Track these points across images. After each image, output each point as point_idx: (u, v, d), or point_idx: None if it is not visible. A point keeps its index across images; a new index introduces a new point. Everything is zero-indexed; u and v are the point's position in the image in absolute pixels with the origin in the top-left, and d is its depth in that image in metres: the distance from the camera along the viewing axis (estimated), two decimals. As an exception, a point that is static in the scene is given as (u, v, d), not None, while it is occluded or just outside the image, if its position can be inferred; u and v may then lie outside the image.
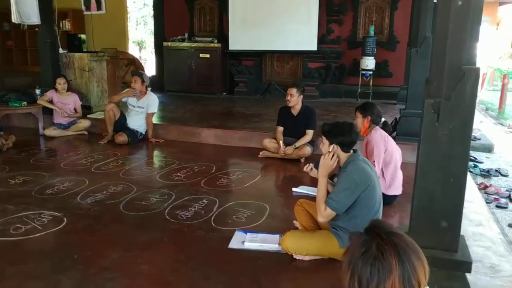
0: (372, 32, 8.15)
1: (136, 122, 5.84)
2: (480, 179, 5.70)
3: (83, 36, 7.39)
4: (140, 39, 19.72)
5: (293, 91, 4.97)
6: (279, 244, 2.89)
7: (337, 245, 2.69)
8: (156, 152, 5.57)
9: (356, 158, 2.69)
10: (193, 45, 9.01)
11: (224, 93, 9.22)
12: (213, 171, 4.68)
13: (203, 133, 5.96)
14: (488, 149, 7.05)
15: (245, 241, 3.01)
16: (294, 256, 2.79)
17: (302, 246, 2.76)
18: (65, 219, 3.38)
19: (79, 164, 4.87)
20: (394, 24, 8.50)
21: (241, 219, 3.45)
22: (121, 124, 5.82)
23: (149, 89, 6.06)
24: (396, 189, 3.74)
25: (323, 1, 8.42)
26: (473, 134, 7.02)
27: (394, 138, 4.24)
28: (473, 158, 6.42)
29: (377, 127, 3.77)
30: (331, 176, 2.90)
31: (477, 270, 2.81)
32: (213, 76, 8.99)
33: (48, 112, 6.22)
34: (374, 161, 3.55)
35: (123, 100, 5.89)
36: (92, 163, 4.90)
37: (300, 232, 2.96)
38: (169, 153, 5.40)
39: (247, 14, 8.77)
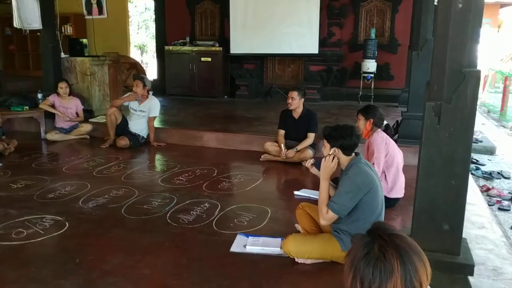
0: (373, 35, 8.17)
1: (138, 126, 5.85)
2: (482, 182, 5.69)
3: (85, 41, 7.41)
4: (142, 43, 19.81)
5: (294, 94, 4.98)
6: (281, 247, 2.89)
7: (339, 248, 2.68)
8: (157, 156, 5.57)
9: (358, 161, 2.69)
10: (194, 49, 9.03)
11: (226, 97, 9.24)
12: (215, 174, 4.68)
13: (205, 137, 5.97)
14: (490, 151, 7.05)
15: (247, 244, 3.01)
16: (296, 260, 2.79)
17: (304, 250, 2.76)
18: (67, 223, 3.38)
19: (81, 168, 4.88)
20: (395, 27, 8.51)
21: (243, 222, 3.44)
22: (122, 128, 5.84)
23: (150, 93, 6.08)
24: (398, 192, 3.73)
25: (324, 4, 8.44)
26: (475, 136, 7.05)
27: (396, 140, 4.24)
28: (475, 161, 6.41)
29: (379, 129, 3.77)
30: (334, 179, 2.90)
31: (480, 273, 2.80)
32: (214, 80, 9.01)
33: (50, 116, 6.24)
34: (373, 164, 3.55)
35: (125, 104, 5.91)
36: (94, 167, 4.91)
37: (302, 236, 2.96)
38: (171, 157, 5.41)
39: (248, 18, 8.80)
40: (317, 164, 2.82)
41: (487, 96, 12.59)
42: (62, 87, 6.12)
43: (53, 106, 6.12)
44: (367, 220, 2.56)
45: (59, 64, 6.80)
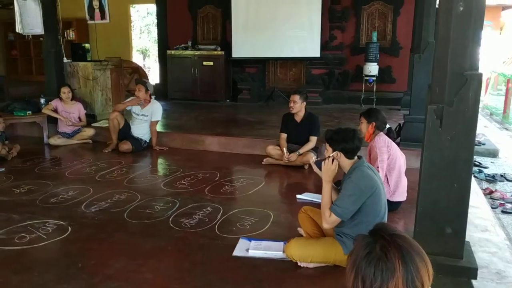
0: (375, 38, 8.17)
1: (140, 130, 5.86)
2: (485, 184, 5.67)
3: (87, 45, 7.44)
4: (144, 47, 19.88)
5: (296, 98, 4.98)
6: (284, 251, 2.88)
7: (342, 252, 2.68)
8: (160, 160, 5.58)
9: (361, 165, 2.68)
10: (196, 53, 9.04)
11: (228, 101, 9.25)
12: (217, 178, 4.68)
13: (207, 141, 5.97)
14: (493, 154, 7.03)
15: (249, 248, 3.00)
16: (299, 264, 2.78)
17: (307, 254, 2.75)
18: (70, 228, 3.39)
19: (83, 173, 4.89)
20: (397, 30, 8.50)
21: (245, 226, 3.44)
22: (125, 133, 5.84)
23: (153, 97, 6.09)
24: (401, 195, 3.72)
25: (325, 7, 8.45)
26: (477, 139, 7.04)
27: (398, 143, 4.23)
28: (478, 163, 6.39)
29: (381, 133, 3.76)
30: (337, 183, 2.90)
31: (483, 276, 2.79)
32: (216, 84, 9.01)
33: (52, 121, 6.26)
34: (378, 167, 3.55)
35: (127, 108, 5.93)
36: (97, 171, 4.92)
37: (304, 239, 2.95)
38: (173, 161, 5.41)
39: (250, 22, 8.81)
40: (318, 165, 2.82)
41: (490, 98, 12.56)
42: (65, 91, 6.14)
43: (55, 110, 6.13)
44: (370, 224, 2.52)
45: (62, 69, 6.82)
